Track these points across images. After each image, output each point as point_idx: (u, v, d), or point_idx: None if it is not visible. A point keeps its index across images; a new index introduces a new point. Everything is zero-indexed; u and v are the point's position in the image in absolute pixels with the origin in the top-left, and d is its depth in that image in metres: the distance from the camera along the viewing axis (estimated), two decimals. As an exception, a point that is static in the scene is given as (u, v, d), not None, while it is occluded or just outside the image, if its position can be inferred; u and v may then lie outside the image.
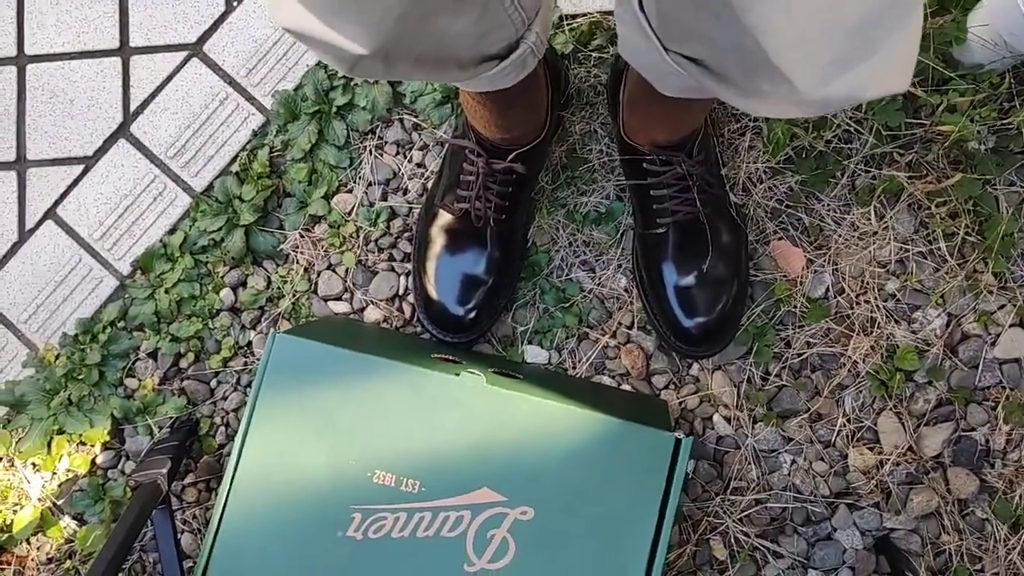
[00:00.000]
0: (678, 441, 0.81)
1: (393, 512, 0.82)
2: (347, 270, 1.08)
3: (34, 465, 1.09)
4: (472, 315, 1.00)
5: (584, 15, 1.09)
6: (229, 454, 1.00)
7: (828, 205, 1.03)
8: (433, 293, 1.00)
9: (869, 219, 1.02)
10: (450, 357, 0.93)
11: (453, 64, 0.69)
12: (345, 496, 0.82)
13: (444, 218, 1.01)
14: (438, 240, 1.01)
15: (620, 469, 0.81)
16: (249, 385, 1.07)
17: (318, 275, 1.08)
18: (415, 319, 1.06)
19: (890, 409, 0.99)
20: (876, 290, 1.01)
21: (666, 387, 1.02)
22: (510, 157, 0.96)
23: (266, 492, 0.82)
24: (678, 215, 0.96)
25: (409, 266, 1.07)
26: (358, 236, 1.08)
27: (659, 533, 0.79)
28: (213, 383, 1.08)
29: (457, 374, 0.84)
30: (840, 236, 1.02)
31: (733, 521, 0.99)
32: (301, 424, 0.83)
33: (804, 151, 1.02)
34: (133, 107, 1.16)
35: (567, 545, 0.80)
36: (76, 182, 1.15)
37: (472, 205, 0.98)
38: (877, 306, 1.01)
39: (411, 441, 0.82)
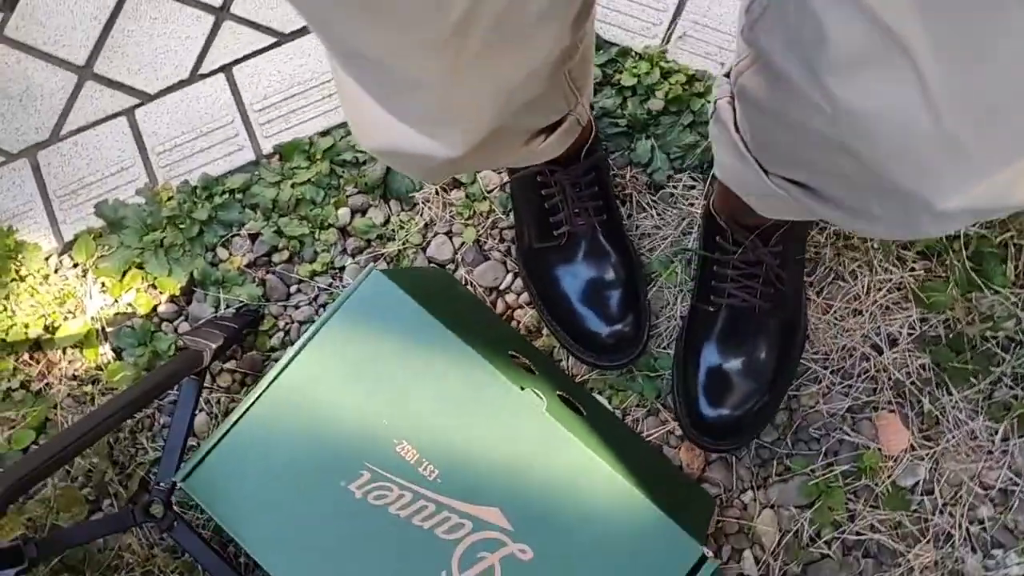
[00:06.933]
0: (704, 558, 0.75)
1: (401, 487, 0.78)
2: (463, 243, 1.06)
3: (103, 285, 1.10)
4: (630, 325, 0.95)
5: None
6: (276, 360, 0.99)
7: (956, 402, 0.95)
8: (587, 326, 0.95)
9: (993, 436, 0.94)
10: (527, 363, 0.90)
11: (511, 156, 0.74)
12: (363, 451, 0.79)
13: (551, 254, 0.96)
14: (558, 275, 0.96)
15: (636, 555, 0.76)
16: (324, 305, 1.06)
17: (434, 235, 1.07)
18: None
19: (926, 632, 0.91)
20: (967, 508, 0.93)
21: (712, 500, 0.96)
22: (583, 154, 0.92)
23: (293, 413, 0.80)
24: (734, 299, 0.90)
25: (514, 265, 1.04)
26: (487, 217, 1.06)
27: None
28: (293, 288, 1.07)
29: (523, 388, 0.80)
30: (954, 438, 0.94)
31: (716, 662, 0.92)
32: (355, 365, 0.81)
33: (963, 335, 0.95)
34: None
35: (549, 603, 0.76)
36: (262, 51, 1.16)
37: (572, 223, 0.94)
38: (960, 524, 0.92)
39: (449, 430, 0.79)
